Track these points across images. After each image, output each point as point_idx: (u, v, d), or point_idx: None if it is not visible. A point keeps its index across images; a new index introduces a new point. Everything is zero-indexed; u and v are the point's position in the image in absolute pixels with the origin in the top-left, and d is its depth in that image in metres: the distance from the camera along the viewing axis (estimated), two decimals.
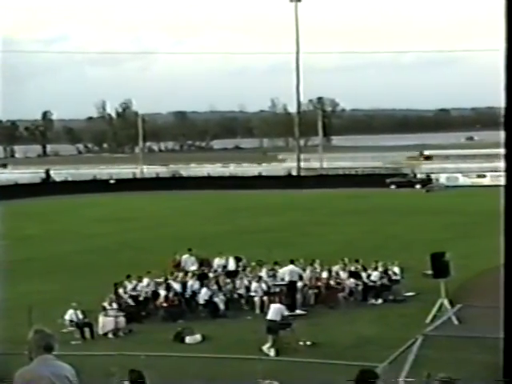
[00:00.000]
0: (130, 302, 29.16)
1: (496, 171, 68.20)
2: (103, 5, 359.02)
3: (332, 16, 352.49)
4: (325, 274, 31.54)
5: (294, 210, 63.09)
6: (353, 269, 32.11)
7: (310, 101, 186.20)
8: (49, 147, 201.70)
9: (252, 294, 30.04)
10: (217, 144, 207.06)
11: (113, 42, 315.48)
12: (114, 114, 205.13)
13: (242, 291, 30.42)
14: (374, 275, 31.44)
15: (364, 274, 31.60)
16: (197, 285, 30.13)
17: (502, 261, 12.37)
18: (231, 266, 33.86)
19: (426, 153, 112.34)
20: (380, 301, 30.71)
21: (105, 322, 26.95)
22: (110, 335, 26.70)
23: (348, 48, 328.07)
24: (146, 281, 30.35)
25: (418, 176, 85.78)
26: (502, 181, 12.77)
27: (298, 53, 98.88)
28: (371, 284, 31.27)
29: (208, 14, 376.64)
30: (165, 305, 29.02)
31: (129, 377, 10.85)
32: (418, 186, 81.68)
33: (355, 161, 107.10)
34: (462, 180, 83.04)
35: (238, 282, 30.82)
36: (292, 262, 31.08)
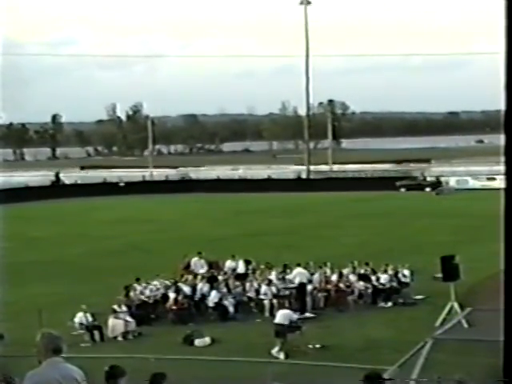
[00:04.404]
0: (140, 304, 29.16)
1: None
2: (111, 8, 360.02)
3: (341, 19, 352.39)
4: (334, 277, 31.50)
5: (304, 213, 63.04)
6: (362, 271, 32.07)
7: (321, 103, 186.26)
8: (58, 150, 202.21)
9: (262, 296, 29.99)
10: (226, 147, 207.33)
11: (121, 46, 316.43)
12: (123, 117, 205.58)
13: (251, 294, 30.37)
14: (384, 278, 31.38)
15: (373, 277, 31.54)
16: (206, 288, 30.11)
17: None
18: (241, 268, 33.80)
19: None
20: (390, 304, 30.64)
21: (114, 325, 26.96)
22: (120, 338, 26.69)
23: (356, 51, 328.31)
24: (155, 283, 30.37)
25: (428, 179, 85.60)
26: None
27: (307, 55, 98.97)
28: (381, 287, 31.21)
29: (217, 16, 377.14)
30: (174, 308, 29.01)
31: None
32: (427, 189, 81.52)
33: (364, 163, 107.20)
34: (472, 183, 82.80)
35: (247, 285, 30.79)
36: (299, 265, 31.13)
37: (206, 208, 69.89)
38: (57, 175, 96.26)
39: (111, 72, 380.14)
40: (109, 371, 9.70)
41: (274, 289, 30.09)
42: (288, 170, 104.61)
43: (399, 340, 23.84)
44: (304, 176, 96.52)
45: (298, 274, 30.39)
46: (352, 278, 31.52)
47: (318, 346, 24.51)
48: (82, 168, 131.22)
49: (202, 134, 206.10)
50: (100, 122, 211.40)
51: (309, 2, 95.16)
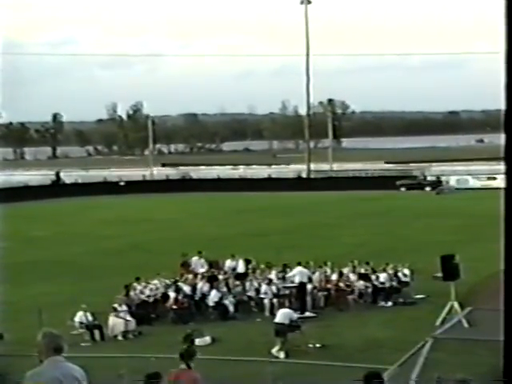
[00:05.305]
0: (140, 303, 29.15)
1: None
2: (111, 8, 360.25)
3: (341, 18, 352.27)
4: (334, 277, 31.50)
5: (304, 213, 63.03)
6: (362, 271, 32.06)
7: (321, 103, 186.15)
8: (59, 149, 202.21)
9: (262, 296, 29.99)
10: (227, 146, 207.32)
11: (121, 45, 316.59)
12: (124, 116, 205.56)
13: (251, 293, 30.37)
14: (383, 277, 31.38)
15: (374, 277, 31.53)
16: (206, 287, 30.10)
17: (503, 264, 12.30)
18: (241, 268, 33.79)
19: None
20: (390, 303, 30.64)
21: (114, 324, 26.96)
22: (120, 337, 26.69)
23: (357, 50, 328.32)
24: (155, 283, 30.36)
25: (428, 178, 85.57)
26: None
27: (307, 55, 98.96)
28: (381, 286, 31.20)
29: (217, 15, 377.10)
30: (174, 307, 29.00)
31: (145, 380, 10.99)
32: (427, 189, 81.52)
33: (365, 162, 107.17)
34: (472, 182, 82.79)
35: (247, 284, 30.79)
36: (299, 264, 31.11)
37: (206, 207, 69.90)
38: (57, 174, 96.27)
39: (111, 71, 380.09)
40: (183, 353, 10.28)
41: (274, 288, 30.09)
42: (288, 170, 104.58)
43: (399, 339, 23.84)
44: (304, 175, 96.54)
45: (298, 273, 30.37)
46: (352, 277, 31.52)
47: (318, 345, 24.50)
48: (163, 165, 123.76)
49: (202, 133, 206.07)
50: (100, 121, 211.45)
51: (309, 2, 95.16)
